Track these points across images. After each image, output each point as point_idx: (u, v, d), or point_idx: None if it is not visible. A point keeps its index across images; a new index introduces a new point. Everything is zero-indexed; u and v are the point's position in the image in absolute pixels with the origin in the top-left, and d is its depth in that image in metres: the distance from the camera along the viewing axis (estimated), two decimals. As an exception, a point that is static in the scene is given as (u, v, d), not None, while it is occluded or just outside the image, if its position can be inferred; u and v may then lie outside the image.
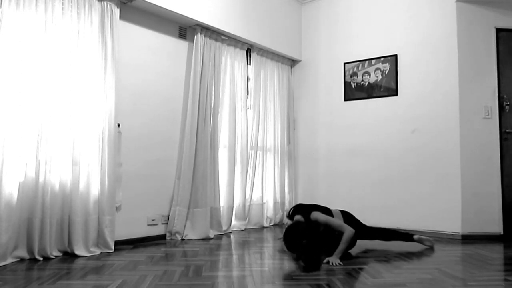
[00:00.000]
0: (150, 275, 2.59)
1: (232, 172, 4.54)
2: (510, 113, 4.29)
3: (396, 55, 4.73)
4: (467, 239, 4.12)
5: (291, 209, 3.56)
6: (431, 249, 3.58)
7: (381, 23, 4.88)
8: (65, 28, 3.21)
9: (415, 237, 3.65)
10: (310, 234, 2.98)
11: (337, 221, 3.22)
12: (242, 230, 4.69)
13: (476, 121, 4.28)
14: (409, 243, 3.72)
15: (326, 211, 3.39)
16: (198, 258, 3.15)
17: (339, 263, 2.93)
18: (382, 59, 4.83)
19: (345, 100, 5.11)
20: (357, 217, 3.68)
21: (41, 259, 2.98)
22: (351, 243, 3.28)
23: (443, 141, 4.36)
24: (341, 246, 3.05)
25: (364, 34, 5.01)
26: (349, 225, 3.26)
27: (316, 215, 3.20)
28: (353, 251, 3.46)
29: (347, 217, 3.56)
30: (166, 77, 4.10)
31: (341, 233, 3.13)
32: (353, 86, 5.05)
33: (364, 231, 3.56)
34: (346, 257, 3.18)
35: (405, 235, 3.67)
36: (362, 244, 3.66)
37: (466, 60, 4.32)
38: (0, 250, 2.78)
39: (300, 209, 3.43)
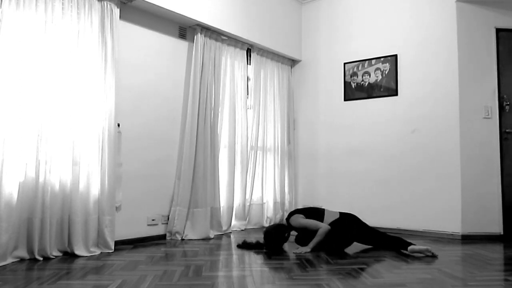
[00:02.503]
0: (150, 275, 2.59)
1: (232, 172, 4.54)
2: (510, 113, 4.29)
3: (396, 55, 4.73)
4: (467, 239, 4.12)
5: (290, 213, 3.85)
6: (433, 256, 3.24)
7: (381, 23, 4.88)
8: (65, 28, 3.21)
9: (409, 248, 3.31)
10: (276, 234, 3.55)
11: (312, 222, 3.55)
12: (242, 230, 4.69)
13: (476, 121, 4.28)
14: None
15: (316, 213, 3.66)
16: (198, 258, 3.15)
17: (305, 252, 3.35)
18: (382, 59, 4.83)
19: (345, 100, 5.11)
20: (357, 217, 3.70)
21: (41, 259, 2.98)
22: (345, 242, 3.50)
23: (443, 141, 4.35)
24: (315, 239, 3.44)
25: (364, 34, 5.01)
26: (350, 226, 3.54)
27: (294, 219, 3.63)
28: (353, 251, 3.47)
29: (348, 219, 3.59)
30: (166, 77, 4.10)
31: (336, 230, 3.49)
32: (353, 86, 5.05)
33: (368, 235, 3.56)
34: (340, 253, 3.20)
35: (404, 243, 3.40)
36: (362, 244, 3.66)
37: (466, 60, 4.32)
38: (0, 250, 2.78)
39: (291, 213, 3.78)
